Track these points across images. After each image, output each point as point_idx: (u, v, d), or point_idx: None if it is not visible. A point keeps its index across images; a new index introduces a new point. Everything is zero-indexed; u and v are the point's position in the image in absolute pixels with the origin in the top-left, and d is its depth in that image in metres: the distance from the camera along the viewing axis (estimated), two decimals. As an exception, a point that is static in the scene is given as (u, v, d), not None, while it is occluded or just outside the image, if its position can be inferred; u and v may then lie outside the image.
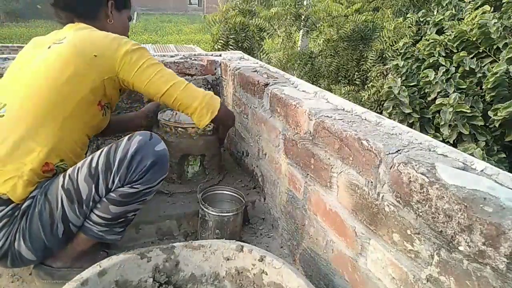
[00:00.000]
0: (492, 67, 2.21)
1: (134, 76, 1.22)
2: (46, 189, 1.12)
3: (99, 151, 1.13)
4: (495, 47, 2.36)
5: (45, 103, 1.13)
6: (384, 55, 3.72)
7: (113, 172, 1.10)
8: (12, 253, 1.11)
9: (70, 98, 1.16)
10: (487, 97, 2.21)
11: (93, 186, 1.10)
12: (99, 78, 1.19)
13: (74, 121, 1.17)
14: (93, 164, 1.11)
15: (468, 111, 2.15)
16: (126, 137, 1.13)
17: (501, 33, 2.29)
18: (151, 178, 1.13)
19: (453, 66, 2.45)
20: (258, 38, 4.46)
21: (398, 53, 3.08)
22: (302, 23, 4.66)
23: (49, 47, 1.20)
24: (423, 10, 3.57)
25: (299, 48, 5.33)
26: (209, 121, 1.32)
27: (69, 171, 1.13)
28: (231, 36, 4.28)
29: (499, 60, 2.28)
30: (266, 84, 1.51)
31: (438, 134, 2.35)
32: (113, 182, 1.11)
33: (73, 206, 1.11)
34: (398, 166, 0.83)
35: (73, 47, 1.18)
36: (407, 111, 2.48)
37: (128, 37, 1.38)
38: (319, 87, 1.48)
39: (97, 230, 1.15)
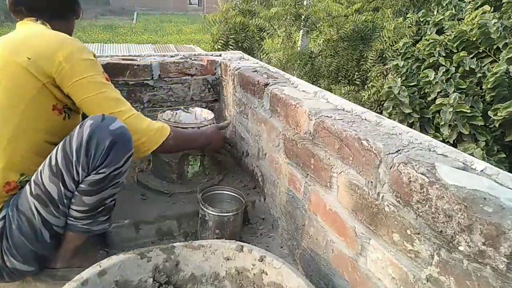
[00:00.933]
0: (492, 67, 2.22)
1: (71, 86, 1.11)
2: (15, 204, 1.09)
3: (55, 148, 1.09)
4: (495, 47, 2.37)
5: None
6: (384, 55, 3.72)
7: (73, 163, 1.05)
8: (7, 270, 1.11)
9: (12, 109, 1.08)
10: (487, 97, 2.21)
11: (60, 183, 1.07)
12: (39, 82, 1.08)
13: (25, 132, 1.10)
14: (53, 162, 1.07)
15: (468, 111, 2.15)
16: (78, 125, 1.07)
17: (501, 33, 2.29)
18: (114, 159, 1.08)
19: (453, 66, 2.45)
20: (258, 38, 4.46)
21: (398, 53, 3.08)
22: (302, 23, 4.66)
23: None
24: (423, 10, 3.57)
25: (299, 48, 5.33)
26: (143, 155, 1.25)
27: (33, 177, 1.10)
28: (231, 36, 4.28)
29: (499, 60, 2.28)
30: (266, 84, 1.51)
31: (438, 134, 2.35)
32: (77, 173, 1.07)
33: (48, 209, 1.08)
34: (398, 166, 0.83)
35: (3, 50, 1.09)
36: (407, 111, 2.48)
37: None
38: (319, 87, 1.48)
39: (81, 224, 1.14)
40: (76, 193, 1.10)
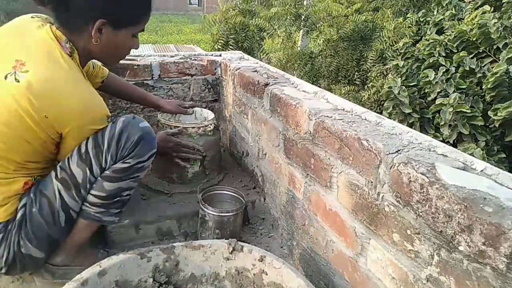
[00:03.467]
0: (492, 67, 2.22)
1: (65, 136, 1.10)
2: (38, 189, 1.14)
3: (88, 138, 1.13)
4: (495, 47, 2.37)
5: None
6: (384, 55, 3.72)
7: (103, 152, 1.13)
8: (21, 259, 1.14)
9: (19, 149, 1.06)
10: (487, 97, 2.21)
11: (87, 168, 1.13)
12: (47, 137, 1.07)
13: (28, 165, 1.11)
14: (83, 150, 1.12)
15: (468, 111, 2.15)
16: (110, 122, 1.15)
17: (501, 33, 2.29)
18: (140, 152, 1.17)
19: (453, 66, 2.45)
20: (258, 38, 4.46)
21: (398, 53, 3.08)
22: (302, 23, 4.66)
23: (5, 77, 1.00)
24: (423, 10, 3.57)
25: (299, 48, 5.33)
26: None
27: (60, 163, 1.15)
28: (231, 36, 4.28)
29: (499, 60, 2.28)
30: (266, 84, 1.51)
31: (438, 134, 2.35)
32: (105, 161, 1.14)
33: (70, 193, 1.14)
34: (398, 166, 0.83)
35: (27, 101, 0.99)
36: (407, 111, 2.48)
37: (123, 57, 1.27)
38: (319, 87, 1.48)
39: (94, 212, 1.18)
40: (99, 178, 1.15)
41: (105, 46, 1.15)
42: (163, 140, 1.55)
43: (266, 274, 1.07)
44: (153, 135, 1.22)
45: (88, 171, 1.13)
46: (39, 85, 1.00)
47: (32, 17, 1.16)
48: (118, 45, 1.20)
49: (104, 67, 1.56)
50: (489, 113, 2.13)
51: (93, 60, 1.40)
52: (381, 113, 2.68)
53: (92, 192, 1.16)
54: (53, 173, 1.14)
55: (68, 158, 1.13)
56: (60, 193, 1.13)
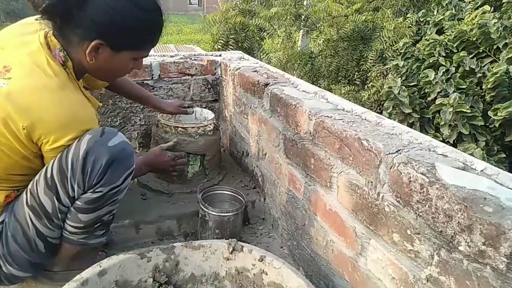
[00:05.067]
0: (492, 67, 2.21)
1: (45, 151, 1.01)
2: (13, 210, 1.06)
3: (52, 160, 1.01)
4: (495, 47, 2.36)
5: None
6: (384, 55, 3.72)
7: (69, 179, 0.99)
8: (4, 275, 1.09)
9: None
10: (487, 97, 2.21)
11: (54, 198, 1.01)
12: (27, 150, 1.00)
13: (12, 177, 1.05)
14: (48, 175, 1.01)
15: (468, 111, 2.15)
16: (77, 139, 1.00)
17: (501, 33, 2.29)
18: (112, 178, 1.02)
19: (453, 66, 2.45)
20: (258, 38, 4.46)
21: (398, 53, 3.08)
22: (302, 23, 4.66)
23: None
24: (423, 10, 3.57)
25: (299, 48, 5.32)
26: None
27: (30, 185, 1.04)
28: (231, 36, 4.28)
29: (499, 60, 2.28)
30: (266, 84, 1.51)
31: (438, 134, 2.34)
32: (73, 189, 1.01)
33: (42, 221, 1.04)
34: (398, 166, 0.83)
35: (5, 111, 0.93)
36: (407, 111, 2.48)
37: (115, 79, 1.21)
38: (319, 87, 1.48)
39: (77, 238, 1.09)
40: (71, 209, 1.04)
41: (101, 65, 1.06)
42: (158, 155, 1.51)
43: (266, 274, 1.07)
44: (128, 152, 1.05)
45: (56, 200, 1.01)
46: (17, 95, 0.94)
47: (36, 19, 1.07)
48: (115, 67, 1.10)
49: None
50: (489, 113, 2.13)
51: None
52: (381, 113, 2.67)
53: (68, 222, 1.06)
54: (24, 198, 1.04)
55: (36, 183, 1.02)
56: (32, 221, 1.03)
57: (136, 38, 1.07)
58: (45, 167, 1.03)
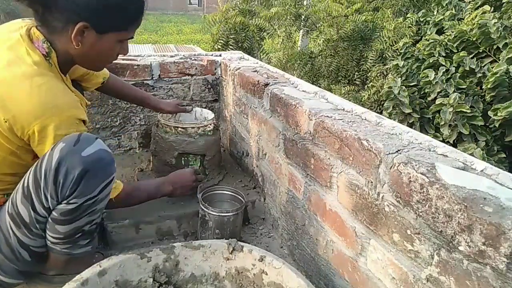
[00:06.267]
0: (492, 67, 2.21)
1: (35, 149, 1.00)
2: None
3: (30, 168, 0.99)
4: (495, 47, 2.36)
5: None
6: (384, 55, 3.72)
7: (42, 189, 0.96)
8: None
9: None
10: (487, 97, 2.21)
11: (30, 208, 0.98)
12: (13, 145, 0.98)
13: (3, 177, 1.04)
14: (25, 184, 0.98)
15: (468, 111, 2.15)
16: (51, 147, 0.97)
17: (501, 33, 2.29)
18: (85, 189, 0.97)
19: (453, 66, 2.45)
20: (258, 38, 4.46)
21: (398, 53, 3.08)
22: (302, 23, 4.66)
23: None
24: (423, 10, 3.57)
25: (299, 48, 5.33)
26: None
27: (12, 193, 1.02)
28: (231, 36, 4.28)
29: (499, 60, 2.28)
30: (266, 84, 1.51)
31: (438, 134, 2.34)
32: (46, 199, 0.97)
33: (22, 231, 1.01)
34: (398, 166, 0.83)
35: None
36: (407, 111, 2.48)
37: (106, 65, 1.16)
38: (319, 87, 1.48)
39: (60, 248, 1.05)
40: (49, 219, 1.00)
41: (87, 50, 1.04)
42: (181, 173, 1.47)
43: (266, 274, 1.07)
44: (105, 161, 1.00)
45: (31, 211, 0.98)
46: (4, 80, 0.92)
47: (23, 19, 1.07)
48: (102, 51, 1.07)
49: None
50: (489, 113, 2.13)
51: None
52: (381, 113, 2.68)
53: (48, 233, 1.02)
54: (6, 206, 1.02)
55: (16, 191, 1.00)
56: (12, 230, 1.01)
57: (120, 18, 1.05)
58: (26, 174, 1.00)
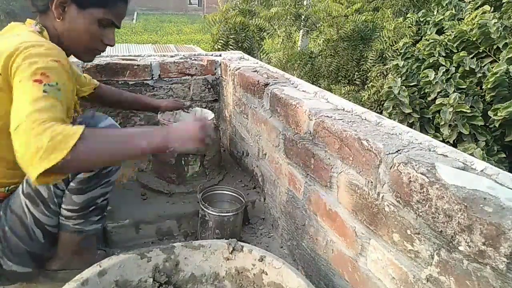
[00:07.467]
0: (492, 67, 2.21)
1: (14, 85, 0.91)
2: (8, 204, 1.08)
3: None
4: (495, 47, 2.36)
5: None
6: (384, 55, 3.72)
7: None
8: (6, 273, 1.10)
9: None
10: (487, 97, 2.21)
11: None
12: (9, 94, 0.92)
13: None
14: None
15: (468, 111, 2.14)
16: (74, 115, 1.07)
17: (501, 33, 2.29)
18: None
19: (453, 66, 2.44)
20: (258, 38, 4.46)
21: (398, 53, 3.08)
22: (302, 23, 4.66)
23: None
24: (423, 10, 3.57)
25: (299, 48, 5.33)
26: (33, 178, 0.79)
27: (26, 176, 1.05)
28: (231, 36, 4.28)
29: (499, 60, 2.28)
30: (266, 84, 1.51)
31: (438, 134, 2.34)
32: None
33: (39, 208, 1.07)
34: (398, 166, 0.83)
35: None
36: (407, 111, 2.48)
37: (91, 46, 1.11)
38: (319, 87, 1.48)
39: (73, 224, 1.12)
40: (66, 191, 1.08)
41: (68, 27, 1.06)
42: (183, 123, 1.16)
43: (266, 274, 1.07)
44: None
45: (51, 185, 1.05)
46: None
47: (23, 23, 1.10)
48: (82, 28, 1.07)
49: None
50: (489, 113, 2.13)
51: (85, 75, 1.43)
52: (381, 113, 2.68)
53: (64, 206, 1.10)
54: (20, 188, 1.06)
55: None
56: (29, 209, 1.06)
57: None
58: None
